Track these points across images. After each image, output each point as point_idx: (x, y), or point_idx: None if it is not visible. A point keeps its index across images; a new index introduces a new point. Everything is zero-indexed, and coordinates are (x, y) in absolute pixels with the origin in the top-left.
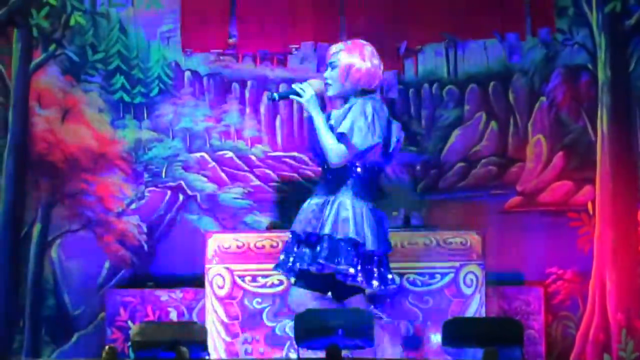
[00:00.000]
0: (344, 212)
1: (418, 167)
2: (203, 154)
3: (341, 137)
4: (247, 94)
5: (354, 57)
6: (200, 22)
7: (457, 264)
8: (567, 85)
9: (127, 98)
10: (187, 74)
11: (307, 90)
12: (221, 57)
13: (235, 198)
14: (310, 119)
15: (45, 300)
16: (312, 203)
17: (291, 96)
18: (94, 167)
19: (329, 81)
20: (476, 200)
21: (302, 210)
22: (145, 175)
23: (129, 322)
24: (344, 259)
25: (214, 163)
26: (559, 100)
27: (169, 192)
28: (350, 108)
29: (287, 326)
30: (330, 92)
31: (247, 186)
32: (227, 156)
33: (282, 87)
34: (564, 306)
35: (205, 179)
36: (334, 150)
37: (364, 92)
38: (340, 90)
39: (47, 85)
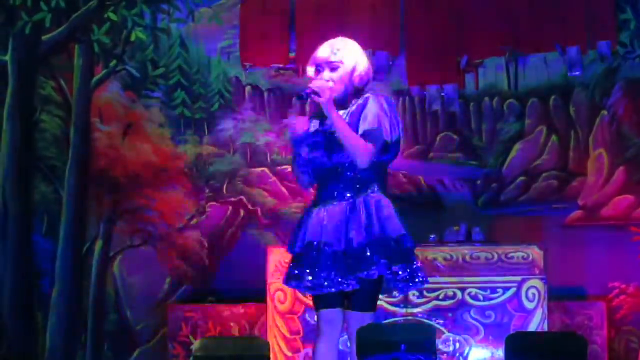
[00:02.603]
0: (387, 210)
1: (479, 182)
2: (264, 168)
3: (369, 135)
4: (307, 109)
5: (358, 56)
6: (260, 37)
7: (519, 279)
8: (629, 98)
9: (188, 113)
10: (248, 89)
11: (327, 92)
12: (281, 72)
13: (296, 212)
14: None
15: (108, 315)
16: (330, 209)
17: (312, 96)
18: (155, 183)
19: (331, 83)
20: (537, 215)
21: (316, 219)
22: (207, 191)
23: (191, 338)
24: (414, 258)
25: (274, 178)
26: (620, 114)
27: (230, 207)
28: (364, 105)
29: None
30: (333, 94)
31: (308, 200)
32: (288, 171)
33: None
34: (627, 321)
35: (266, 194)
36: (364, 149)
37: (359, 91)
38: (343, 91)
39: (108, 101)
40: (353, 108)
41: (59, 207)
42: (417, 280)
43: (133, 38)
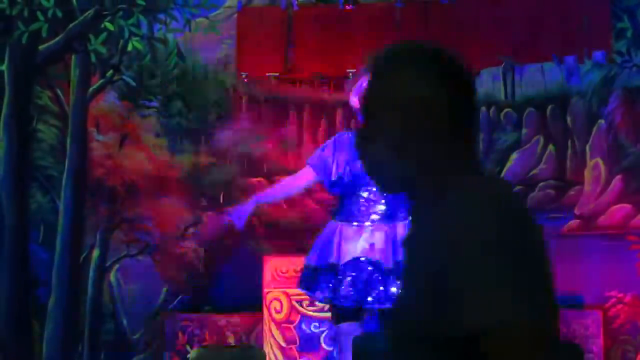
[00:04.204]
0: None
1: None
2: (260, 178)
3: None
4: (304, 118)
5: None
6: (257, 47)
7: None
8: (626, 107)
9: (184, 123)
10: (245, 98)
11: None
12: (278, 82)
13: (293, 222)
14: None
15: (104, 324)
16: (367, 230)
17: None
18: (151, 192)
19: None
20: None
21: (359, 237)
22: (203, 200)
23: (187, 347)
24: None
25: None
26: (617, 122)
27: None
28: None
29: None
30: None
31: (305, 210)
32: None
33: (340, 112)
34: (624, 330)
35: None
36: None
37: None
38: None
39: (105, 111)
40: None
41: (56, 217)
42: None
43: (130, 48)
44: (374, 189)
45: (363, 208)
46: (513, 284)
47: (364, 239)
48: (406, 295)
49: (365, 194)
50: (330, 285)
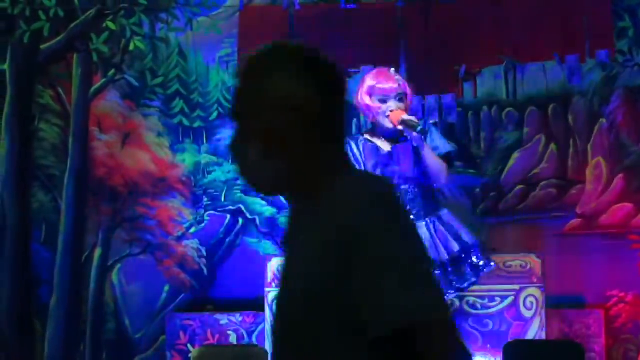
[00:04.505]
0: (456, 224)
1: (477, 190)
2: None
3: (447, 156)
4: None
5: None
6: (258, 46)
7: (517, 287)
8: (627, 106)
9: (186, 122)
10: None
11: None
12: None
13: None
14: (409, 146)
15: (106, 324)
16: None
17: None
18: (153, 192)
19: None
20: (536, 223)
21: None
22: (205, 199)
23: (189, 346)
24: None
25: None
26: (619, 121)
27: (228, 216)
28: (431, 130)
29: None
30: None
31: None
32: None
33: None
34: (626, 329)
35: (264, 203)
36: (445, 170)
37: None
38: None
39: (106, 110)
40: (408, 135)
41: (58, 216)
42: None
43: (132, 47)
44: (402, 191)
45: None
46: (412, 277)
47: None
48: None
49: None
50: None
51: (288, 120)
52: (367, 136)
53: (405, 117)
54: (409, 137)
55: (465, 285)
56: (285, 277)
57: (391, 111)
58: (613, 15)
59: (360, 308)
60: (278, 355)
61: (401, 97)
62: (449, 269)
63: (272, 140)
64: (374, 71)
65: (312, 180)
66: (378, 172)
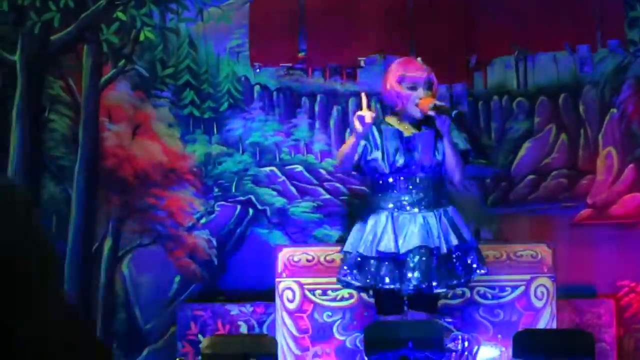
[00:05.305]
0: (460, 222)
1: (488, 180)
2: (273, 168)
3: (465, 154)
4: (316, 108)
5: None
6: (269, 36)
7: (527, 277)
8: (638, 96)
9: (196, 113)
10: (257, 88)
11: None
12: (290, 72)
13: (305, 212)
14: (431, 135)
15: (117, 314)
16: (419, 217)
17: (451, 112)
18: (164, 182)
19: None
20: (547, 213)
21: (415, 225)
22: (215, 190)
23: (200, 336)
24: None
25: (283, 177)
26: (629, 111)
27: (238, 207)
28: (449, 125)
29: (358, 339)
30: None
31: (317, 200)
32: (297, 170)
33: (352, 102)
34: (636, 319)
35: (275, 193)
36: (462, 165)
37: None
38: None
39: (117, 101)
40: (429, 129)
41: (68, 207)
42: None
43: (142, 38)
44: (418, 178)
45: (407, 197)
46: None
47: (420, 227)
48: None
49: (410, 182)
50: (396, 272)
51: None
52: (389, 119)
53: (438, 102)
54: (437, 124)
55: (454, 282)
56: None
57: (420, 99)
58: (624, 5)
59: None
60: None
61: (429, 85)
62: (444, 264)
63: None
64: (402, 60)
65: None
66: (399, 156)
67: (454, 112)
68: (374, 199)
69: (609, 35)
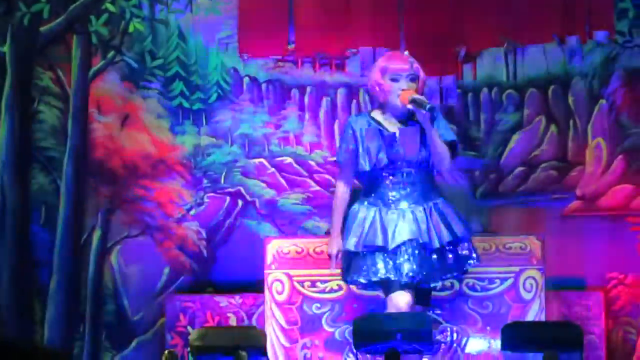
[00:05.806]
0: (450, 215)
1: (477, 172)
2: (262, 159)
3: (451, 145)
4: (306, 100)
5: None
6: (258, 28)
7: (516, 269)
8: (627, 87)
9: (186, 104)
10: (246, 80)
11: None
12: (280, 63)
13: (294, 204)
14: (417, 129)
15: (105, 305)
16: (408, 213)
17: (426, 105)
18: (153, 173)
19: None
20: (536, 205)
21: (403, 220)
22: (204, 181)
23: (189, 328)
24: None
25: (273, 169)
26: (618, 103)
27: (228, 198)
28: (438, 115)
29: (347, 331)
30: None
31: (306, 192)
32: (286, 162)
33: (340, 92)
34: (625, 311)
35: (264, 185)
36: (449, 156)
37: None
38: None
39: (106, 92)
40: (413, 119)
41: (57, 198)
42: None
43: (131, 29)
44: (405, 174)
45: (394, 193)
46: None
47: (409, 222)
48: None
49: (397, 178)
50: (390, 262)
51: None
52: (374, 114)
53: (415, 95)
54: (417, 118)
55: (447, 276)
56: None
57: (402, 90)
58: None
59: None
60: None
61: (413, 78)
62: (437, 258)
63: None
64: (388, 53)
65: None
66: (382, 154)
67: (427, 106)
68: (363, 196)
69: (598, 27)
